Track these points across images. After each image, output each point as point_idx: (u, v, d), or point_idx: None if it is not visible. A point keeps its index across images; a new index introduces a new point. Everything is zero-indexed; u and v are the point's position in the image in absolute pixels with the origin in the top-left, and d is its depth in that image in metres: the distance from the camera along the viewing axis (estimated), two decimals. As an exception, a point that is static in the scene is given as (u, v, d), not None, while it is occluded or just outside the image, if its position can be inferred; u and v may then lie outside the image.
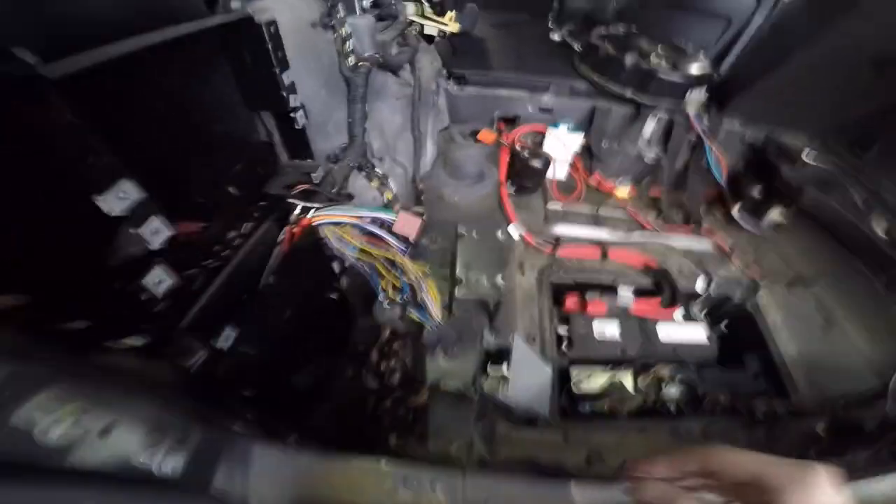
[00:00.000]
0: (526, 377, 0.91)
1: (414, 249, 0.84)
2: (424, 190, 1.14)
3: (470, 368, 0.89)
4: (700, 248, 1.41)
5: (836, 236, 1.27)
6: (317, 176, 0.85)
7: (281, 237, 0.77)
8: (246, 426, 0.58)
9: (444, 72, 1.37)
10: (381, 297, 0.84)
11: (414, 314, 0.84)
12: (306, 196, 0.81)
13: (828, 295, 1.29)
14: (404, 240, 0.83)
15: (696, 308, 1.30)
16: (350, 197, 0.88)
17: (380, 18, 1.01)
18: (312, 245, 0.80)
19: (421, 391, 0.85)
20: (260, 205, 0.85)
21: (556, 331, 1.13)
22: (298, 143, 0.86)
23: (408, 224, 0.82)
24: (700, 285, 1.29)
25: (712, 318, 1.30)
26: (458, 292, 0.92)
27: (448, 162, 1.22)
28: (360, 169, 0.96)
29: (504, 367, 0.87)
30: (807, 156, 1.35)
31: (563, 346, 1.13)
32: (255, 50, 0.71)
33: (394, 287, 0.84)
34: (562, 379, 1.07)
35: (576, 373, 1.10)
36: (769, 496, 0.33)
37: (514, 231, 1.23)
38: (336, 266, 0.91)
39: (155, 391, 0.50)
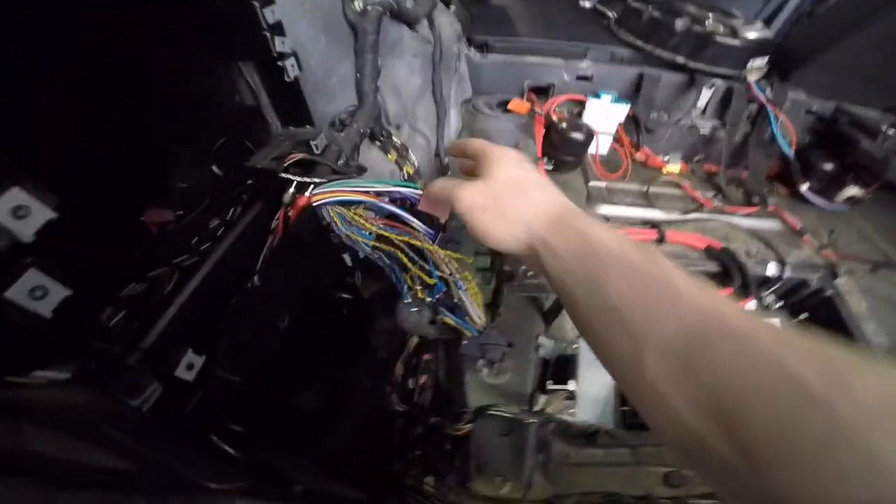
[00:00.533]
0: (593, 389, 0.71)
1: (444, 235, 0.65)
2: (451, 165, 0.97)
3: (524, 385, 0.70)
4: (767, 228, 1.22)
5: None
6: (318, 144, 0.66)
7: (273, 224, 0.59)
8: (229, 474, 0.40)
9: (464, 38, 1.20)
10: (405, 296, 0.65)
11: (449, 318, 0.65)
12: (304, 169, 0.62)
13: None
14: (432, 222, 0.64)
15: (770, 297, 1.12)
16: (362, 170, 0.70)
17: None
18: (315, 231, 0.62)
19: (462, 416, 0.66)
20: (247, 184, 0.68)
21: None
22: (292, 103, 0.67)
23: (438, 202, 0.63)
24: (772, 269, 1.10)
25: (788, 309, 1.13)
26: (506, 288, 0.73)
27: (476, 134, 1.05)
28: (372, 137, 0.77)
29: (570, 381, 0.67)
30: (888, 128, 1.19)
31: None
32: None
33: (422, 283, 0.65)
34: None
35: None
36: (484, 163, 0.47)
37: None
38: (348, 258, 0.73)
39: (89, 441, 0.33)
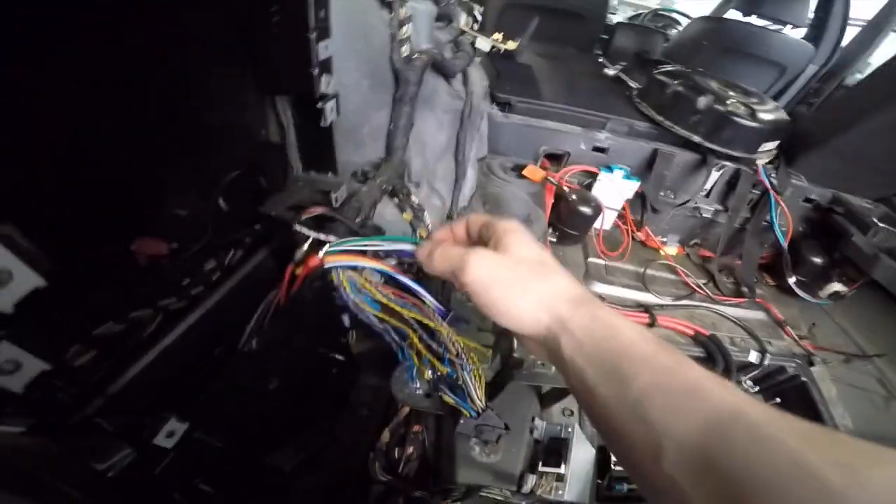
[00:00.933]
0: (580, 468, 0.69)
1: (453, 313, 0.61)
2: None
3: (515, 465, 0.67)
4: (753, 318, 1.26)
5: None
6: (338, 197, 0.63)
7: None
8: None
9: (489, 95, 1.20)
10: (408, 372, 0.61)
11: (449, 397, 0.62)
12: (320, 224, 0.58)
13: (891, 369, 1.16)
14: (441, 294, 0.60)
15: (748, 381, 1.15)
16: (378, 231, 0.66)
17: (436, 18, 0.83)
18: (319, 291, 0.57)
19: (450, 493, 0.62)
20: (254, 228, 0.63)
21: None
22: (321, 148, 0.64)
23: None
24: (754, 357, 1.13)
25: (764, 392, 1.16)
26: (515, 375, 0.70)
27: (489, 198, 1.03)
28: (392, 194, 0.74)
29: (562, 465, 0.65)
30: (879, 220, 1.24)
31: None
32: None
33: (426, 361, 0.60)
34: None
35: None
36: (494, 235, 0.45)
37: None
38: (346, 318, 0.68)
39: None
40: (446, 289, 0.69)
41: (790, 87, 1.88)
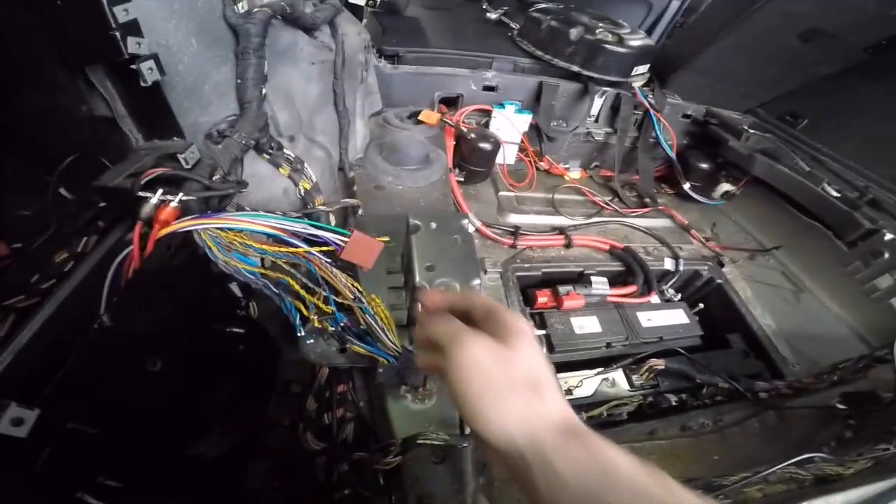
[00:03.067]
0: None
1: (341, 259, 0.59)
2: (357, 179, 0.92)
3: (452, 408, 0.67)
4: (660, 226, 1.37)
5: (791, 202, 1.26)
6: (187, 158, 0.58)
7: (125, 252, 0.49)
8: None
9: (374, 49, 1.17)
10: (300, 328, 0.58)
11: (359, 346, 0.60)
12: (168, 185, 0.53)
13: (792, 262, 1.29)
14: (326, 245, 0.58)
15: (670, 290, 1.23)
16: (242, 185, 0.62)
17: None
18: (189, 261, 0.53)
19: (390, 449, 0.61)
20: (101, 208, 0.57)
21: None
22: (155, 112, 0.58)
23: (364, 249, 0.56)
24: (669, 264, 1.23)
25: (687, 300, 1.24)
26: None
27: (386, 147, 1.01)
28: (258, 149, 0.70)
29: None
30: (749, 127, 1.39)
31: (544, 351, 0.96)
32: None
33: (320, 311, 0.58)
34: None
35: (565, 381, 0.93)
36: (501, 328, 0.39)
37: (469, 223, 1.04)
38: (236, 288, 0.64)
39: None
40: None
41: (659, 23, 2.03)
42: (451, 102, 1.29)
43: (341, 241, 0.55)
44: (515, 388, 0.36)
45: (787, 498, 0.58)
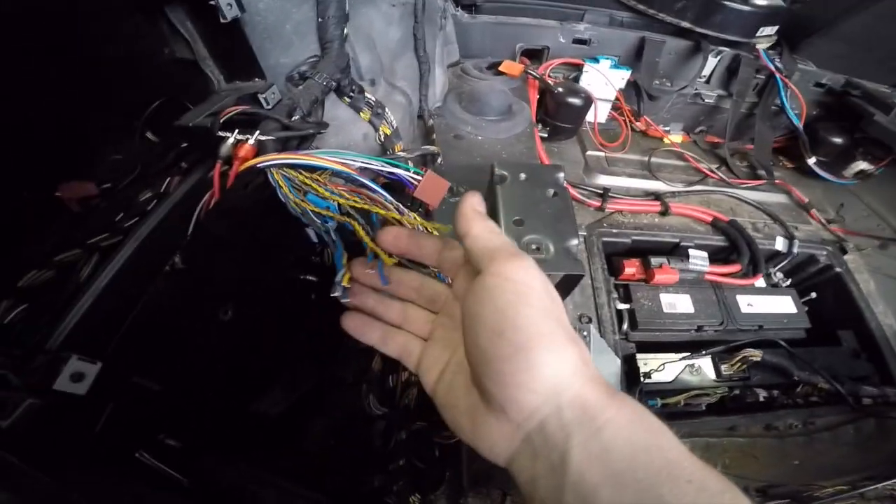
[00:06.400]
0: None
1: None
2: (436, 127, 0.87)
3: None
4: (774, 201, 1.17)
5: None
6: (267, 98, 0.57)
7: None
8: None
9: (450, -1, 1.10)
10: (336, 260, 0.55)
11: None
12: (246, 124, 0.52)
13: None
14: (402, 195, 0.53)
15: (779, 273, 1.06)
16: (322, 126, 0.60)
17: None
18: (265, 200, 0.52)
19: None
20: (183, 149, 0.58)
21: (615, 307, 0.86)
22: (236, 53, 0.57)
23: (434, 188, 0.51)
24: (781, 244, 1.05)
25: (797, 286, 1.07)
26: None
27: (466, 96, 0.95)
28: (339, 92, 0.67)
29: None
30: None
31: (626, 327, 0.86)
32: None
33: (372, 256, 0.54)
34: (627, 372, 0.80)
35: (645, 362, 0.84)
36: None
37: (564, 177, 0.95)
38: (312, 233, 0.63)
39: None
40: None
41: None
42: (534, 55, 1.18)
43: (415, 179, 0.51)
44: (567, 330, 0.29)
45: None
